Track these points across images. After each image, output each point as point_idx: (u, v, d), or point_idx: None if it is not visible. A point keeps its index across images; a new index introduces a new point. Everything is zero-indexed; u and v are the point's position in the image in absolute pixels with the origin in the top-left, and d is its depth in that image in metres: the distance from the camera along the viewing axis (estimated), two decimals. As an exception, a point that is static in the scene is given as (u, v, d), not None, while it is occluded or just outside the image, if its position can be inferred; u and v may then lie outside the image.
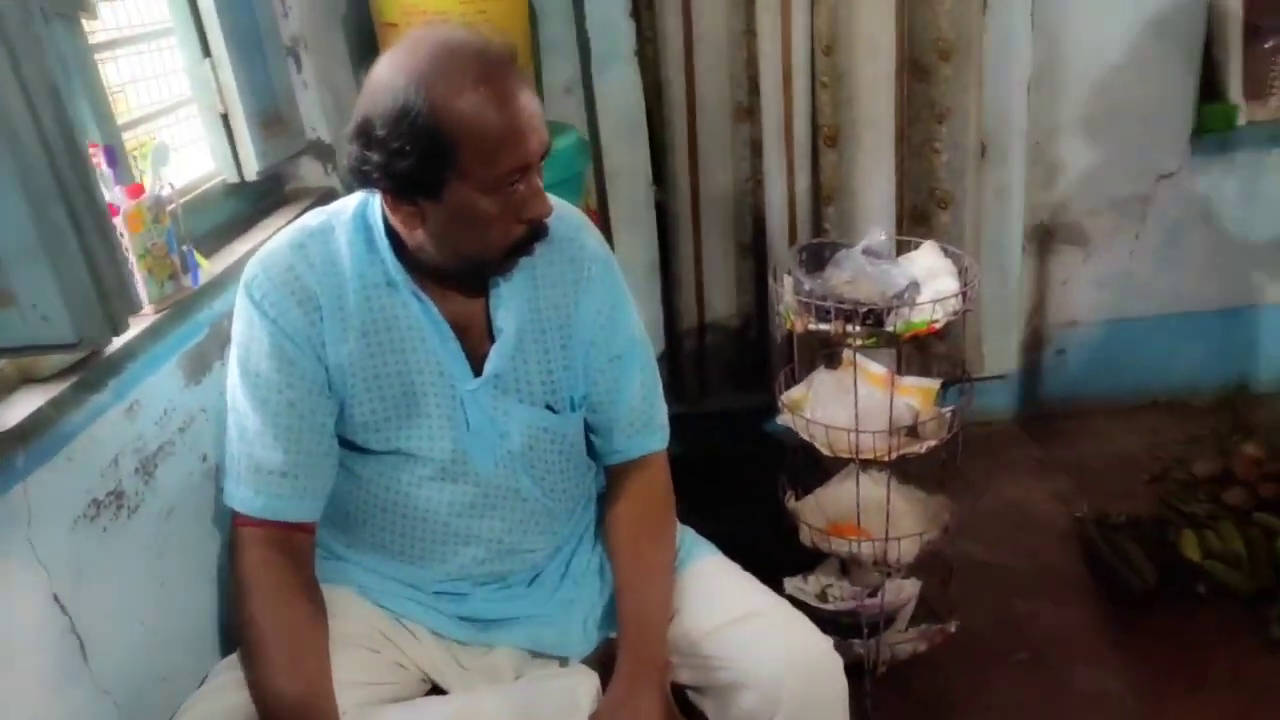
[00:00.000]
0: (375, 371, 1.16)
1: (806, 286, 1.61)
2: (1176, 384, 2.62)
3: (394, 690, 1.19)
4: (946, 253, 1.72)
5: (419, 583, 1.25)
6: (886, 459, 1.65)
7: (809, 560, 1.87)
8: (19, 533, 0.97)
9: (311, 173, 1.85)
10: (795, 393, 1.81)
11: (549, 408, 1.23)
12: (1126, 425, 2.58)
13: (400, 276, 1.14)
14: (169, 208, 1.34)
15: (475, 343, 1.19)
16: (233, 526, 1.15)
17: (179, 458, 1.26)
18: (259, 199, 1.75)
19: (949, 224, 2.34)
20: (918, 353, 2.36)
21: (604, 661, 1.23)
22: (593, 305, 1.23)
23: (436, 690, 1.21)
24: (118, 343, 1.15)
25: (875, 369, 1.81)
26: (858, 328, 1.55)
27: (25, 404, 1.01)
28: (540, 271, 1.21)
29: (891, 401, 1.62)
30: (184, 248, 1.37)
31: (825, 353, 1.87)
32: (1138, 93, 2.32)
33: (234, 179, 1.63)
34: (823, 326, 1.59)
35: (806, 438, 1.70)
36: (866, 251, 1.68)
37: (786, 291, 1.68)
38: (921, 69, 2.22)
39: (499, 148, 1.03)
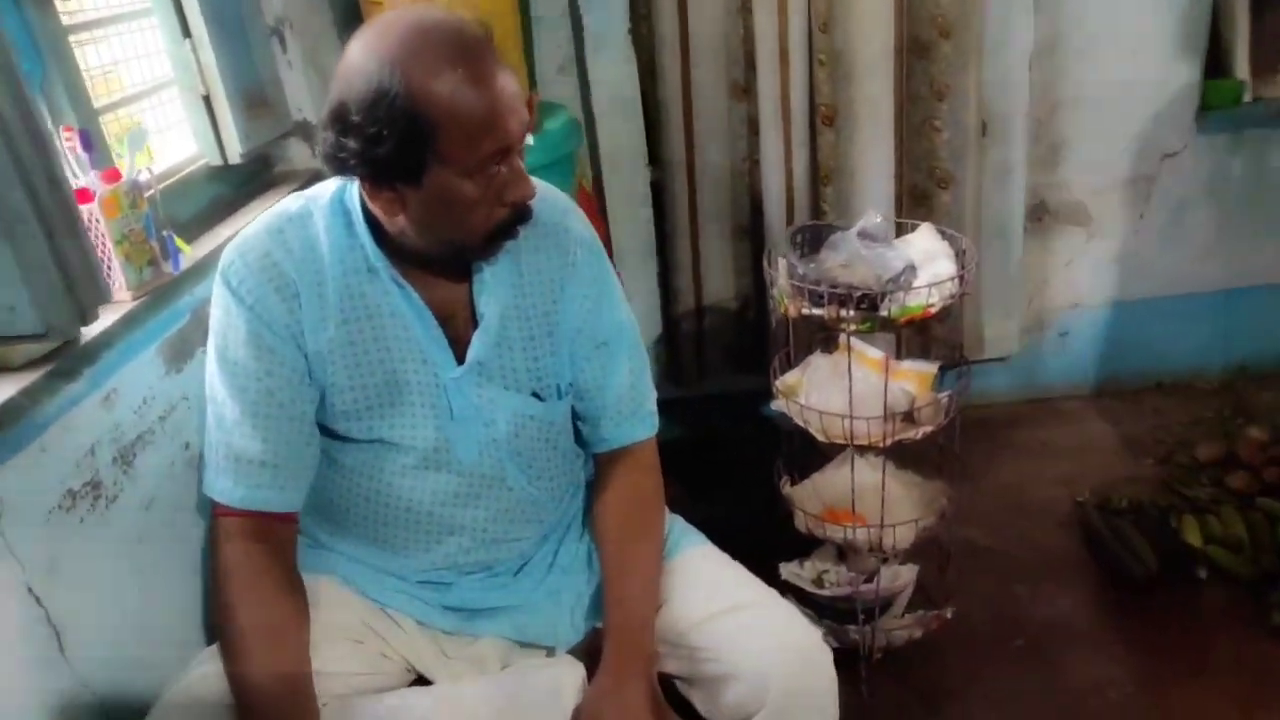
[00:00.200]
0: (356, 360, 1.14)
1: (800, 270, 1.58)
2: (1180, 366, 2.59)
3: (378, 680, 1.18)
4: (944, 235, 1.69)
5: (403, 572, 1.23)
6: (882, 445, 1.62)
7: (806, 545, 1.85)
8: (-10, 525, 0.95)
9: (299, 155, 1.82)
10: (790, 377, 1.79)
11: (535, 395, 1.21)
12: (1129, 408, 2.55)
13: (381, 263, 1.11)
14: (147, 193, 1.32)
15: (459, 330, 1.17)
16: (212, 516, 1.13)
17: (159, 447, 1.24)
18: (244, 182, 1.72)
19: (949, 204, 2.30)
20: (917, 335, 2.33)
21: (591, 652, 1.21)
22: (579, 291, 1.21)
23: (421, 680, 1.20)
24: (93, 330, 1.13)
25: (872, 353, 1.77)
26: (852, 312, 1.53)
27: (-5, 393, 0.99)
28: (525, 257, 1.18)
29: (886, 387, 1.59)
30: (164, 233, 1.35)
31: (822, 336, 1.84)
32: (1142, 69, 2.27)
33: (217, 162, 1.61)
34: (816, 311, 1.56)
35: (801, 423, 1.67)
36: (862, 234, 1.65)
37: (780, 275, 1.65)
38: (921, 46, 2.17)
39: (479, 130, 1.00)
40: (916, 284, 1.56)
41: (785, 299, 1.63)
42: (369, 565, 1.23)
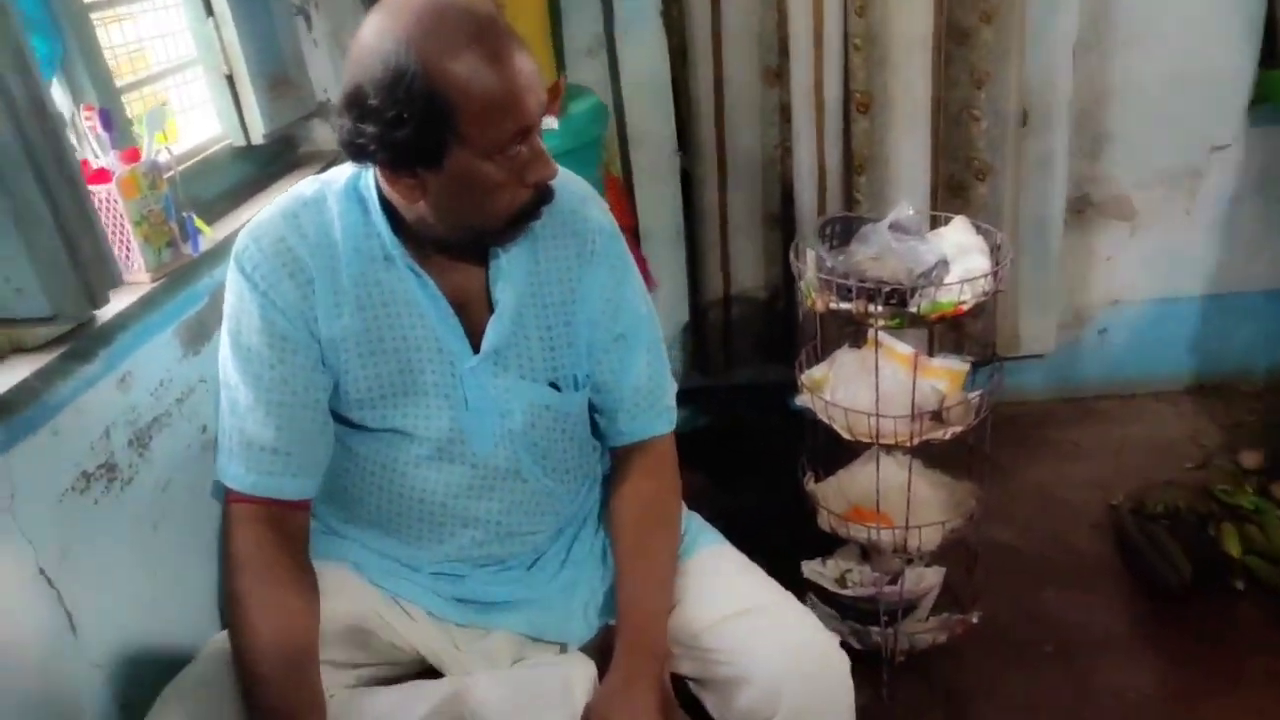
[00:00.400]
0: (371, 348, 1.12)
1: (828, 263, 1.54)
2: (1225, 367, 2.50)
3: (387, 671, 1.17)
4: (979, 229, 1.64)
5: (416, 563, 1.22)
6: (909, 445, 1.58)
7: (830, 542, 1.82)
8: (2, 507, 0.94)
9: (323, 135, 1.80)
10: (817, 372, 1.75)
11: (553, 385, 1.19)
12: (1169, 409, 2.47)
13: (397, 251, 1.09)
14: (167, 174, 1.31)
15: (475, 318, 1.14)
16: (225, 502, 1.12)
17: (175, 429, 1.23)
18: (269, 162, 1.71)
19: (986, 196, 2.24)
20: (950, 331, 2.28)
21: (604, 649, 1.19)
22: (597, 281, 1.18)
23: (431, 672, 1.18)
24: (110, 312, 1.12)
25: (902, 349, 1.73)
26: (880, 308, 1.48)
27: (9, 376, 0.98)
28: (542, 244, 1.16)
29: (914, 384, 1.55)
30: (184, 214, 1.34)
31: (850, 330, 1.80)
32: (1192, 59, 2.19)
33: (240, 142, 1.60)
34: (844, 306, 1.52)
35: (826, 420, 1.64)
36: (894, 227, 1.60)
37: (809, 268, 1.61)
38: (961, 32, 2.11)
39: (499, 109, 0.97)
40: (948, 280, 1.51)
41: (813, 292, 1.59)
42: (383, 554, 1.22)
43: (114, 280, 0.97)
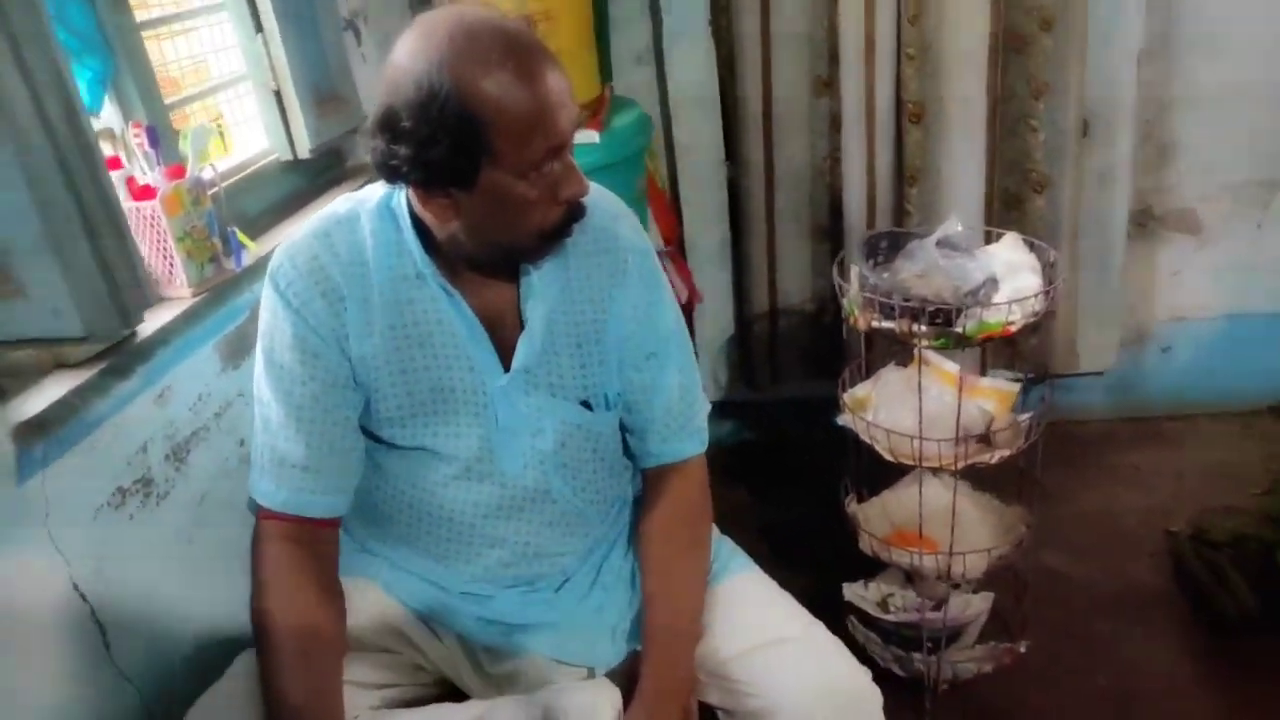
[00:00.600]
0: (402, 366, 1.12)
1: (871, 280, 1.50)
2: (1296, 388, 2.39)
3: (412, 693, 1.16)
4: (1031, 246, 1.58)
5: (445, 583, 1.21)
6: (953, 469, 1.53)
7: (874, 562, 1.77)
8: (37, 522, 0.97)
9: (370, 149, 1.82)
10: (860, 390, 1.71)
11: (584, 404, 1.18)
12: (1236, 432, 2.37)
13: (428, 269, 1.09)
14: (211, 190, 1.33)
15: (506, 336, 1.14)
16: (256, 519, 1.13)
17: (213, 443, 1.25)
18: (316, 175, 1.73)
19: (1044, 209, 2.17)
20: (1004, 346, 2.21)
21: (631, 675, 1.16)
22: (629, 299, 1.16)
23: (455, 695, 1.18)
24: (150, 327, 1.14)
25: (949, 367, 1.68)
26: (924, 327, 1.44)
27: (50, 392, 1.01)
28: (574, 261, 1.15)
29: (960, 406, 1.50)
30: (228, 229, 1.36)
31: (896, 348, 1.75)
32: (1264, 66, 2.09)
33: (287, 157, 1.62)
34: (887, 325, 1.48)
35: (868, 440, 1.60)
36: (941, 243, 1.55)
37: (853, 284, 1.57)
38: (1019, 40, 2.05)
39: (532, 127, 0.97)
40: (997, 299, 1.46)
41: (856, 310, 1.55)
42: (412, 573, 1.22)
43: (148, 300, 0.98)
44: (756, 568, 1.26)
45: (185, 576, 1.18)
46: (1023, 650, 1.69)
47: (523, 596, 1.22)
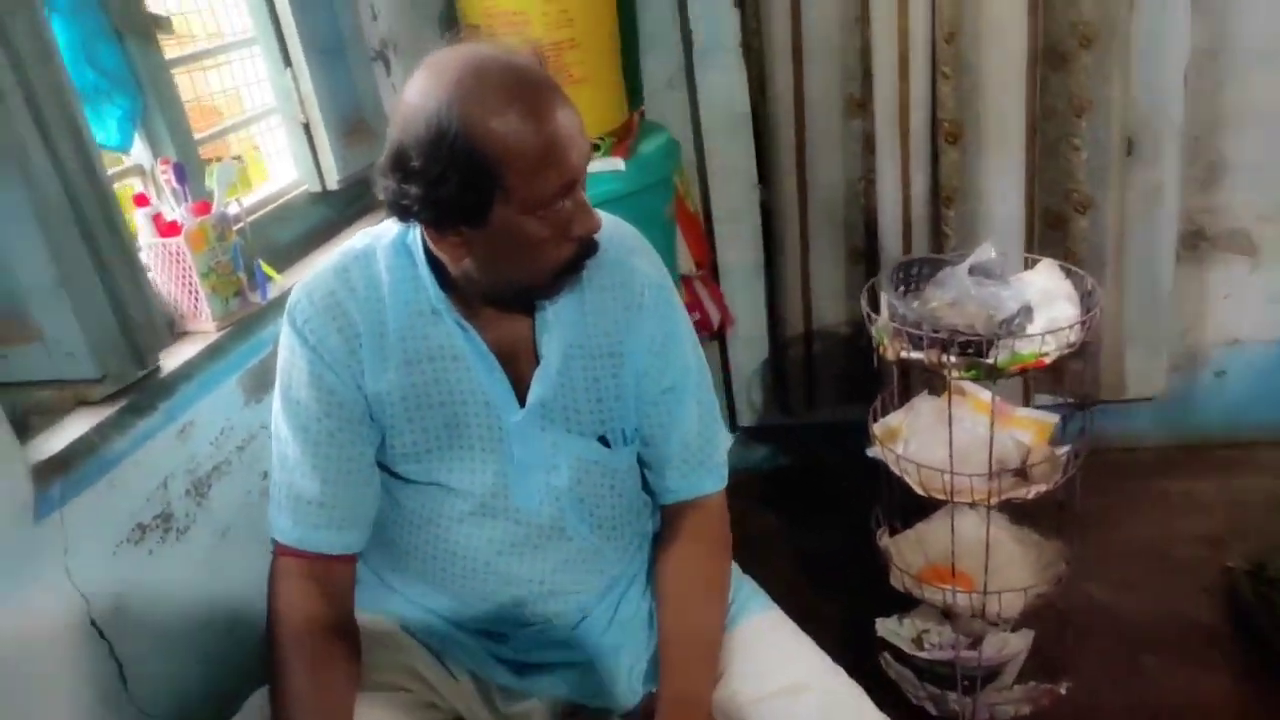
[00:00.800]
0: (418, 401, 1.11)
1: (900, 309, 1.46)
2: (1360, 415, 2.28)
3: (424, 733, 1.15)
4: (1069, 273, 1.53)
5: (461, 620, 1.20)
6: (986, 503, 1.48)
7: (909, 595, 1.72)
8: (55, 559, 0.98)
9: (399, 178, 1.83)
10: (893, 419, 1.67)
11: (602, 439, 1.16)
12: (1296, 460, 2.27)
13: (443, 305, 1.09)
14: (237, 225, 1.34)
15: (521, 371, 1.13)
16: (273, 554, 1.13)
17: (235, 477, 1.26)
18: (345, 206, 1.75)
19: (1088, 229, 2.10)
20: (1048, 371, 2.14)
21: (649, 716, 1.14)
22: (646, 332, 1.15)
23: (470, 734, 1.17)
24: (174, 362, 1.15)
25: (985, 396, 1.63)
26: (953, 358, 1.40)
27: (71, 430, 1.02)
28: (590, 295, 1.13)
29: (991, 439, 1.45)
30: (254, 262, 1.37)
31: (928, 376, 1.71)
32: (1321, 80, 2.01)
33: (316, 188, 1.64)
34: (916, 354, 1.44)
35: (898, 472, 1.55)
36: (974, 270, 1.51)
37: (883, 312, 1.54)
38: (1058, 57, 1.99)
39: (542, 164, 0.96)
40: (1031, 329, 1.41)
41: (885, 339, 1.52)
42: (428, 609, 1.21)
43: (164, 341, 0.99)
44: (777, 609, 1.23)
45: (204, 611, 1.19)
46: (1063, 691, 1.63)
47: (538, 635, 1.20)
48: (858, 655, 1.87)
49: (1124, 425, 2.34)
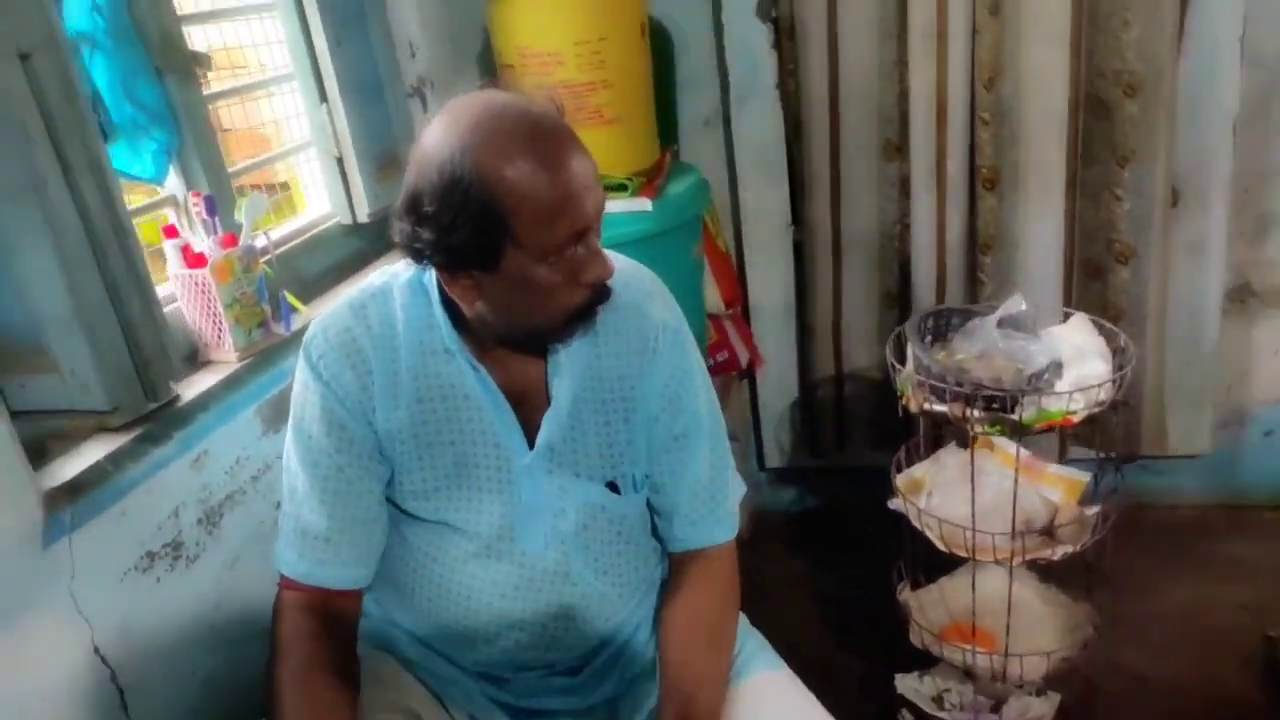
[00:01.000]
0: (428, 440, 1.12)
1: (924, 360, 1.44)
2: None
3: (420, 773, 1.14)
4: (1101, 329, 1.49)
5: (463, 661, 1.19)
6: (1010, 563, 1.44)
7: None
8: (60, 586, 0.99)
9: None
10: (917, 470, 1.63)
11: (611, 485, 1.15)
12: (1348, 527, 2.17)
13: (456, 345, 1.09)
14: (264, 257, 1.37)
15: (532, 413, 1.12)
16: (278, 588, 1.14)
17: (249, 506, 1.27)
18: (375, 239, 1.77)
19: (1129, 281, 2.05)
20: (1086, 424, 2.08)
21: (646, 770, 1.13)
22: (659, 378, 1.14)
23: (466, 779, 1.15)
24: (192, 392, 1.17)
25: (1014, 451, 1.59)
26: (977, 413, 1.36)
27: (84, 458, 1.04)
28: (604, 339, 1.13)
29: (1015, 497, 1.41)
30: (280, 293, 1.40)
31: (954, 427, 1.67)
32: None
33: (347, 220, 1.66)
34: (940, 407, 1.41)
35: (919, 527, 1.52)
36: (1004, 322, 1.48)
37: (908, 362, 1.51)
38: (1102, 105, 1.96)
39: (554, 214, 0.96)
40: (1060, 386, 1.38)
41: (909, 389, 1.49)
42: (431, 649, 1.21)
43: (176, 374, 1.01)
44: (784, 667, 1.20)
45: (210, 640, 1.20)
46: (1089, 761, 1.57)
47: (540, 681, 1.19)
48: (876, 710, 1.84)
49: (1166, 482, 2.27)
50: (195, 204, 1.33)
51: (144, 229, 1.40)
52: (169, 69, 1.32)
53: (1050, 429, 1.38)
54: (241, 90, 1.56)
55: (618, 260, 1.17)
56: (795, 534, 2.45)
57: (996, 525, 1.43)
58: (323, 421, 1.10)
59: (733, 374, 2.27)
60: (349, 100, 1.58)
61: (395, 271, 1.15)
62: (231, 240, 1.32)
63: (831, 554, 2.34)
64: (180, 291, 1.29)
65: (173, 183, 1.37)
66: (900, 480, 1.58)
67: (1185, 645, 1.90)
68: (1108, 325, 1.50)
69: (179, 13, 1.37)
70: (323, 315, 1.14)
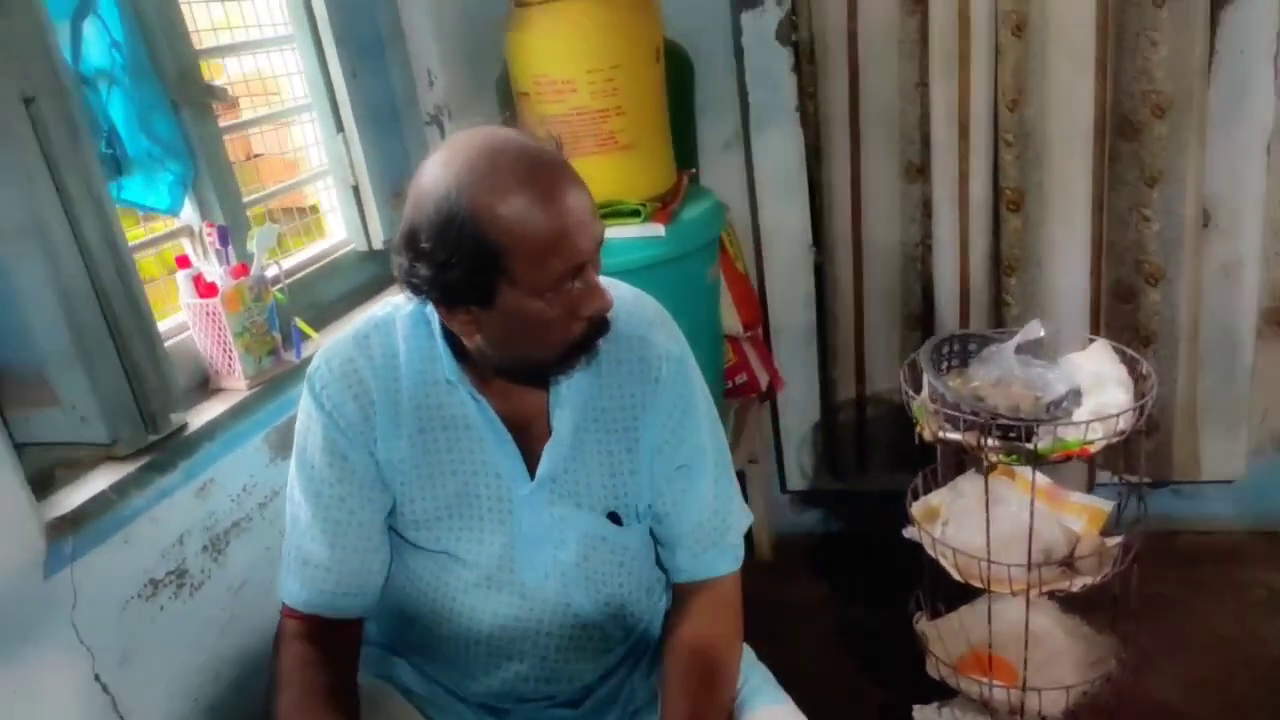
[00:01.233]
0: (430, 470, 1.12)
1: (938, 388, 1.41)
2: None
3: (419, 806, 1.14)
4: (1123, 355, 1.45)
5: (463, 691, 1.19)
6: (1026, 594, 1.40)
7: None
8: (62, 616, 1.00)
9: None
10: (934, 498, 1.60)
11: (612, 515, 1.14)
12: (1394, 556, 2.09)
13: (457, 376, 1.09)
14: (275, 286, 1.39)
15: (534, 444, 1.12)
16: (280, 616, 1.14)
17: (255, 533, 1.28)
18: (391, 266, 1.78)
19: (1160, 303, 2.00)
20: (1117, 449, 2.03)
21: (647, 806, 1.11)
22: (661, 409, 1.13)
23: (465, 811, 1.15)
24: (198, 422, 1.19)
25: (1036, 478, 1.55)
26: (992, 441, 1.33)
27: (88, 488, 1.05)
28: (606, 369, 1.12)
29: (1031, 529, 1.38)
30: (291, 321, 1.41)
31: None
32: None
33: (363, 247, 1.68)
34: (954, 436, 1.38)
35: (934, 555, 1.49)
36: (1021, 349, 1.45)
37: (923, 389, 1.48)
38: (1130, 126, 1.92)
39: (548, 250, 0.96)
40: (1078, 414, 1.34)
41: (924, 417, 1.46)
42: (432, 679, 1.20)
43: (175, 406, 1.02)
44: (787, 700, 1.18)
45: (214, 667, 1.20)
46: (1114, 802, 1.52)
47: (541, 712, 1.18)
48: (893, 742, 1.80)
49: (1199, 508, 2.20)
50: (209, 234, 1.35)
51: (161, 258, 1.43)
52: (185, 102, 1.34)
53: (1067, 459, 1.34)
54: (261, 120, 1.58)
55: (621, 289, 1.17)
56: (818, 558, 2.42)
57: (1014, 556, 1.39)
58: (325, 451, 1.10)
59: (753, 396, 2.25)
60: (365, 130, 1.60)
61: (398, 303, 1.15)
62: (243, 270, 1.34)
63: (854, 579, 2.31)
64: (192, 320, 1.31)
65: (188, 213, 1.39)
66: (916, 508, 1.55)
67: (1219, 677, 1.84)
68: (1129, 352, 1.46)
69: (197, 47, 1.40)
70: (326, 346, 1.15)
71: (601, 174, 1.73)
